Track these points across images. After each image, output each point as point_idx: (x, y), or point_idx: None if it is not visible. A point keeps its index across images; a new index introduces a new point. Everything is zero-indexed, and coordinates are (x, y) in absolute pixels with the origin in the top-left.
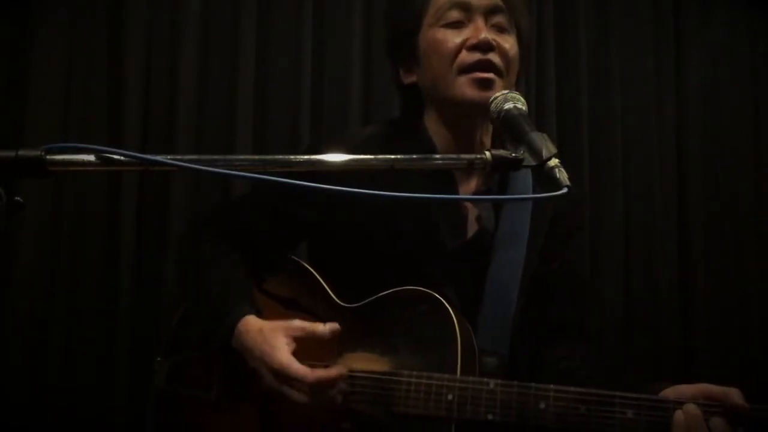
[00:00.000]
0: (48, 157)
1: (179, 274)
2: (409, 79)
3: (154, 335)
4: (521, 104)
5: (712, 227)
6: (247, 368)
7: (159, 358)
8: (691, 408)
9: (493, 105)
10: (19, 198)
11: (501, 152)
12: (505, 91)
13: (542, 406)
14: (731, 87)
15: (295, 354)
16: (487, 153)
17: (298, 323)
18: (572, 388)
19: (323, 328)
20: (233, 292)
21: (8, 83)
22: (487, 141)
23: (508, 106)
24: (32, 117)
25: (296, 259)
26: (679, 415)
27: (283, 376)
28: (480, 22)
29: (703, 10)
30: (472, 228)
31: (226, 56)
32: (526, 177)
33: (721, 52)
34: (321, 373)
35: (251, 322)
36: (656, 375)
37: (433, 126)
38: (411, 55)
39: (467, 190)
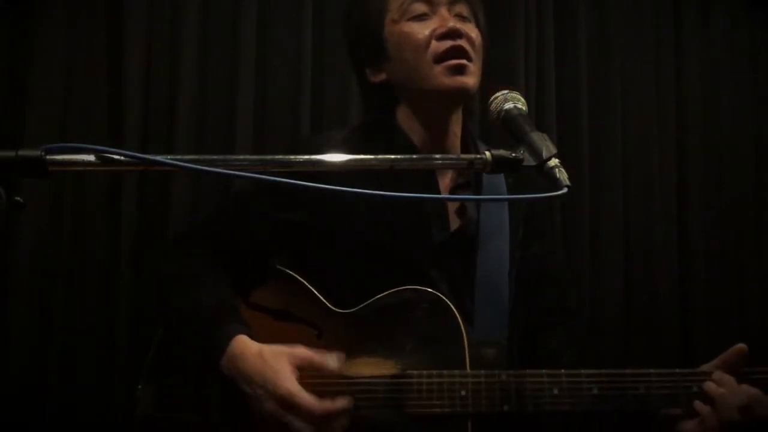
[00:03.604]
0: (48, 157)
1: (157, 296)
2: (378, 78)
3: (153, 335)
4: (521, 104)
5: (712, 227)
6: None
7: (140, 386)
8: (723, 376)
9: (493, 105)
10: (19, 198)
11: (501, 152)
12: (505, 91)
13: (556, 391)
14: (731, 87)
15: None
16: (487, 153)
17: (303, 352)
18: (583, 371)
19: (331, 362)
20: (220, 309)
21: (8, 83)
22: (458, 130)
23: (508, 106)
24: (32, 117)
25: (281, 268)
26: (710, 386)
27: (288, 404)
28: (444, 11)
29: (703, 10)
30: (454, 220)
31: (226, 56)
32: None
33: (721, 52)
34: (328, 405)
35: (247, 344)
36: None
37: (406, 121)
38: (378, 52)
39: (445, 183)
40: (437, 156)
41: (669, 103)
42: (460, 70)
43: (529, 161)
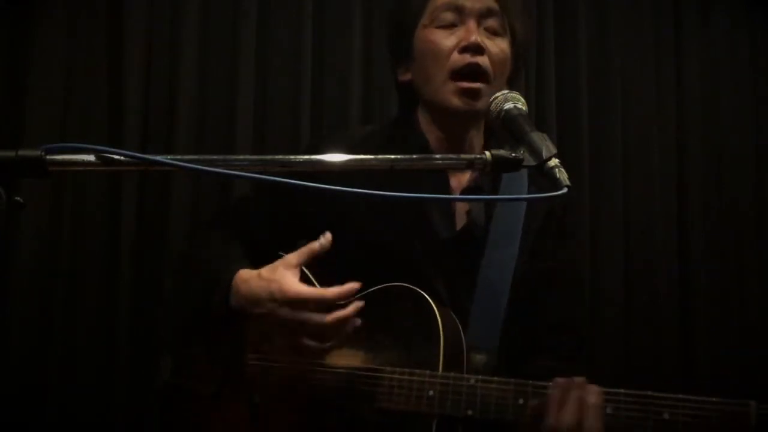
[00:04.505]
0: (48, 157)
1: (178, 269)
2: (404, 77)
3: (154, 335)
4: (521, 104)
5: (712, 227)
6: (244, 356)
7: (164, 356)
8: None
9: (493, 105)
10: (19, 198)
11: (501, 152)
12: (505, 91)
13: (521, 401)
14: (731, 87)
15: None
16: (487, 153)
17: (292, 255)
18: (551, 384)
19: (316, 244)
20: (226, 260)
21: (8, 83)
22: (478, 139)
23: (508, 106)
24: (32, 117)
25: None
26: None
27: (300, 303)
28: (472, 24)
29: (703, 10)
30: (461, 221)
31: (226, 56)
32: (520, 175)
33: (721, 52)
34: (336, 290)
35: (247, 273)
36: (656, 375)
37: (426, 123)
38: (406, 53)
39: (459, 185)
40: (437, 156)
41: (669, 103)
42: (473, 95)
43: (529, 161)
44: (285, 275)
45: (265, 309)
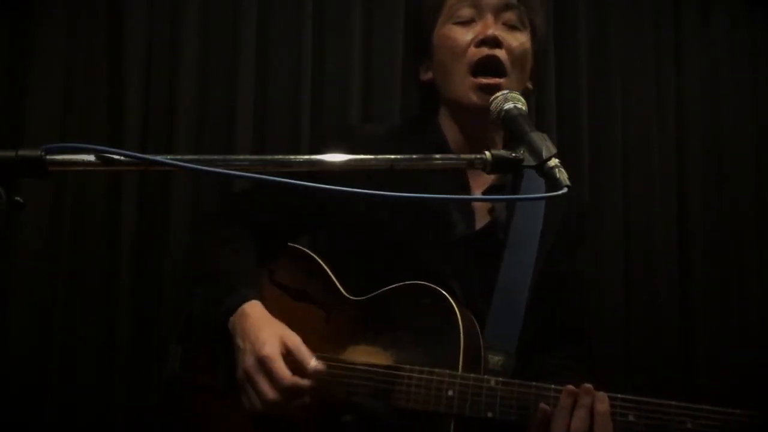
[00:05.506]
0: (48, 157)
1: (191, 260)
2: (425, 77)
3: (154, 335)
4: (521, 104)
5: (712, 227)
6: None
7: (173, 344)
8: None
9: (492, 105)
10: (19, 198)
11: (501, 152)
12: (505, 91)
13: (543, 405)
14: (731, 87)
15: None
16: (487, 153)
17: (296, 339)
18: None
19: (313, 362)
20: (241, 274)
21: (8, 83)
22: (498, 139)
23: (508, 106)
24: (32, 117)
25: (304, 249)
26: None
27: (264, 366)
28: (489, 18)
29: (703, 10)
30: (482, 219)
31: (226, 56)
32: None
33: (721, 52)
34: (297, 380)
35: (257, 309)
36: (656, 375)
37: (447, 123)
38: (426, 52)
39: (480, 184)
40: (437, 156)
41: (669, 103)
42: (491, 91)
43: (529, 161)
44: (274, 338)
45: (243, 346)
